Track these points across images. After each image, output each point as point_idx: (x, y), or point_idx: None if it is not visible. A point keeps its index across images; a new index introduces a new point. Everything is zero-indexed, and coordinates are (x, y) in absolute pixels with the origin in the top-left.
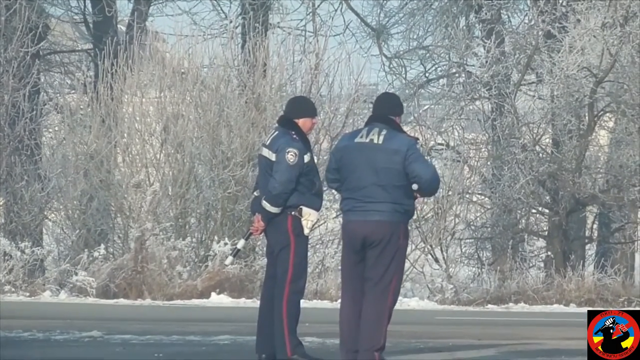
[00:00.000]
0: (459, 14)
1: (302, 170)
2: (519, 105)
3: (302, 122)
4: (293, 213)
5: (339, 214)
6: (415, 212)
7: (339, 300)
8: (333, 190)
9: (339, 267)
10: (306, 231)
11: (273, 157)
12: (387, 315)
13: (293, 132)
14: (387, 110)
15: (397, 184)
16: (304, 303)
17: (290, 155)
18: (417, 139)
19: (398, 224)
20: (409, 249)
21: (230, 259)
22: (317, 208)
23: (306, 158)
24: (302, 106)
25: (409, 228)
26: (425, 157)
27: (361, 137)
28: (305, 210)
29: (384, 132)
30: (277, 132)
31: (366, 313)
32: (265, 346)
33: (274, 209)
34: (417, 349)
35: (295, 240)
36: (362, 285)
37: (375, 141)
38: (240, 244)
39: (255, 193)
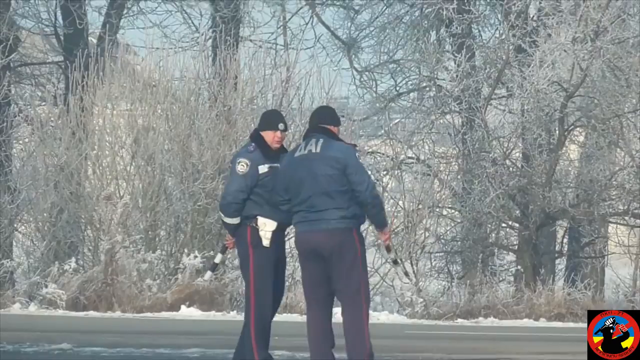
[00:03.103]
0: (430, 28)
1: (258, 181)
2: (489, 119)
3: (264, 134)
4: (251, 224)
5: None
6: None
7: None
8: None
9: None
10: (265, 242)
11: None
12: (366, 321)
13: (253, 144)
14: (320, 120)
15: (341, 189)
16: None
17: (240, 166)
18: (355, 145)
19: (349, 230)
20: (378, 262)
21: (209, 274)
22: (278, 219)
23: (262, 169)
24: (265, 119)
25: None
26: (364, 168)
27: (300, 150)
28: (261, 220)
29: (320, 141)
30: (243, 145)
31: (347, 325)
32: None
33: (227, 219)
34: None
35: (254, 252)
36: (326, 291)
37: (314, 150)
38: (218, 258)
39: None
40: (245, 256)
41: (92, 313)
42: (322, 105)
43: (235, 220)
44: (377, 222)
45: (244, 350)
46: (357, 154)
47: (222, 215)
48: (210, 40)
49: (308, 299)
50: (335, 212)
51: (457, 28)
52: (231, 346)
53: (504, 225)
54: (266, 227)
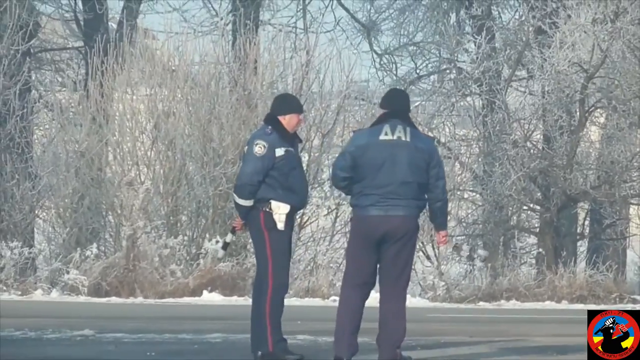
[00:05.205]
0: (449, 10)
1: (274, 163)
2: (509, 101)
3: (288, 118)
4: (264, 209)
5: (330, 211)
6: None
7: (331, 298)
8: (324, 187)
9: (331, 265)
10: (279, 225)
11: (246, 149)
12: (405, 308)
13: (269, 127)
14: (406, 107)
15: (422, 181)
16: (295, 301)
17: (258, 148)
18: (434, 138)
19: (417, 218)
20: None
21: (221, 252)
22: (291, 202)
23: (278, 152)
24: (287, 102)
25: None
26: (443, 164)
27: (386, 134)
28: (274, 204)
29: (408, 129)
30: (258, 128)
31: (391, 310)
32: (259, 343)
33: (241, 201)
34: (408, 346)
35: (270, 235)
36: (372, 276)
37: (404, 139)
38: (229, 237)
39: None
40: (261, 240)
41: (114, 299)
42: (401, 90)
43: (248, 203)
44: (441, 220)
45: (259, 333)
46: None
47: (236, 197)
48: (230, 24)
49: (351, 282)
50: (413, 202)
51: (477, 10)
52: None
53: (525, 207)
54: (280, 210)
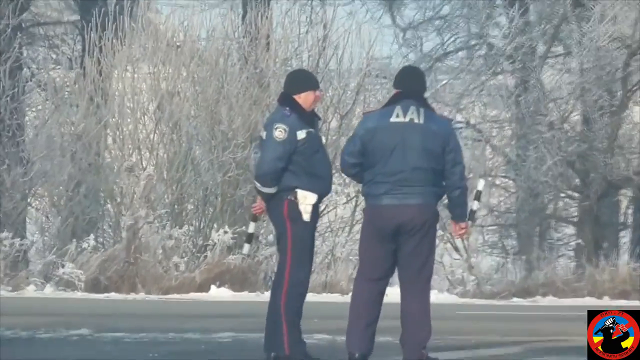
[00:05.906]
0: None
1: (296, 147)
2: (545, 79)
3: (303, 96)
4: (289, 197)
5: (349, 199)
6: None
7: (351, 293)
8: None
9: (350, 257)
10: (305, 217)
11: (264, 134)
12: (430, 305)
13: (287, 108)
14: (420, 86)
15: (438, 167)
16: (312, 297)
17: (278, 132)
18: (452, 119)
19: (435, 206)
20: None
21: (246, 247)
22: (317, 190)
23: (300, 135)
24: (301, 79)
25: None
26: (461, 149)
27: (397, 116)
28: (301, 193)
29: (422, 110)
30: (274, 111)
31: (413, 308)
32: (274, 343)
33: (265, 189)
34: (436, 346)
35: (292, 227)
36: (389, 270)
37: (416, 121)
38: (251, 227)
39: None
40: (283, 231)
41: (113, 295)
42: (415, 68)
43: (272, 190)
44: (460, 210)
45: (275, 332)
46: (454, 129)
47: (258, 185)
48: None
49: (366, 277)
50: (429, 189)
51: None
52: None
53: (562, 195)
54: (307, 200)
